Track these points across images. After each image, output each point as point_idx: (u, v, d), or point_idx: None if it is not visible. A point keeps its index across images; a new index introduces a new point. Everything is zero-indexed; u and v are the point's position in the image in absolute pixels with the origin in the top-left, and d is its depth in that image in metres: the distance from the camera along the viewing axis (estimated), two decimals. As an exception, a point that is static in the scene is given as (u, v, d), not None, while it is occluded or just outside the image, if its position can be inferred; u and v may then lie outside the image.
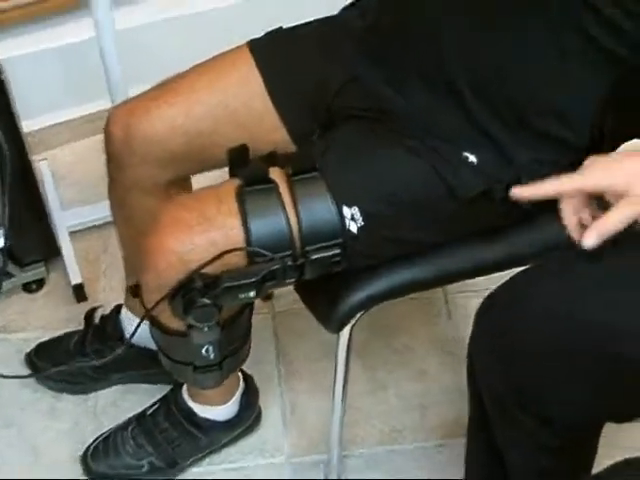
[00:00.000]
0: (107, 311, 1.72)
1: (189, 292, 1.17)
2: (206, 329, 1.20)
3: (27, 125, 1.89)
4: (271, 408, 1.70)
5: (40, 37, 2.06)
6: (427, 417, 1.69)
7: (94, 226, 2.01)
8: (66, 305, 1.88)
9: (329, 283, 1.23)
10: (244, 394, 1.60)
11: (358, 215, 1.17)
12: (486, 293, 1.84)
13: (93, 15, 1.69)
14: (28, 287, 1.90)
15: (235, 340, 1.34)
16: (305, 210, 1.16)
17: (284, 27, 1.38)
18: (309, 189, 1.17)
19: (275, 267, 1.15)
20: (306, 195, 1.17)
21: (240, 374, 1.59)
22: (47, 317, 1.86)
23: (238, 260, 1.17)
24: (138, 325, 1.29)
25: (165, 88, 1.35)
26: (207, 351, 1.26)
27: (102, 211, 1.96)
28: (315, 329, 1.81)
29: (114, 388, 1.73)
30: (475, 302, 1.86)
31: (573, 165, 1.02)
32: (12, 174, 1.37)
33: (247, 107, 1.33)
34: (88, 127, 2.21)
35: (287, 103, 1.32)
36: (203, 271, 1.17)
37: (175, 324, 1.26)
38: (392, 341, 1.80)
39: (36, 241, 1.88)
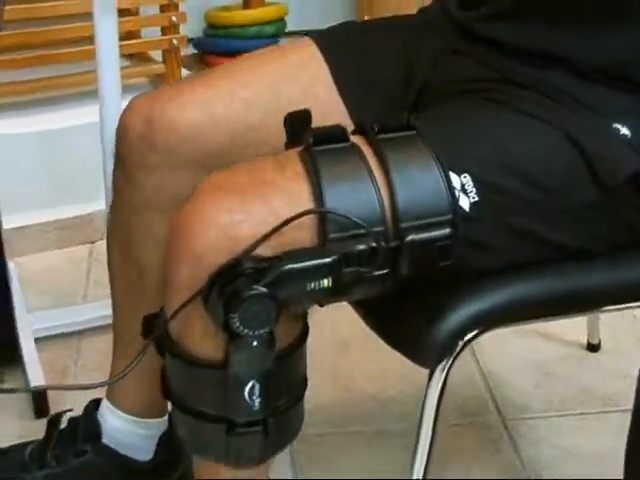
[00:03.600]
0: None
1: (234, 279, 0.81)
2: (255, 343, 0.83)
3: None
4: None
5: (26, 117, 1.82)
6: None
7: (64, 333, 1.65)
8: (21, 420, 1.47)
9: (421, 297, 0.89)
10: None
11: (470, 186, 0.86)
12: (554, 418, 1.56)
13: (100, 99, 1.44)
14: (-27, 397, 1.50)
15: (289, 388, 0.94)
16: (398, 175, 0.84)
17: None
18: (403, 149, 0.86)
19: (360, 247, 0.81)
20: (399, 156, 0.85)
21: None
22: (-5, 432, 1.44)
23: (306, 239, 0.84)
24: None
25: (202, 73, 1.08)
26: (251, 393, 0.87)
27: (74, 316, 1.68)
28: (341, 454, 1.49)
29: (80, 518, 1.29)
30: (543, 425, 1.55)
31: None
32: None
33: (306, 94, 1.05)
34: (65, 235, 1.90)
35: (359, 91, 1.05)
36: (256, 253, 0.82)
37: (208, 348, 0.87)
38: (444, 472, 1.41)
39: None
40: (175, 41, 1.88)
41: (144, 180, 1.07)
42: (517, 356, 1.65)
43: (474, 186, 0.87)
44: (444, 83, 1.01)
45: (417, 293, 0.89)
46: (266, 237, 0.82)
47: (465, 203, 0.86)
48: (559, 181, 0.90)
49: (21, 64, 1.80)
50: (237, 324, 0.82)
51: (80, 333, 1.66)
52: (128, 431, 1.24)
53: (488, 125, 0.92)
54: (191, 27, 2.05)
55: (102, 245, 1.88)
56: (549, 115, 0.92)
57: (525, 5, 0.97)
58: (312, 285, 0.82)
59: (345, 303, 1.73)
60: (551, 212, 0.91)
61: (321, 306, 0.88)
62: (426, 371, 0.99)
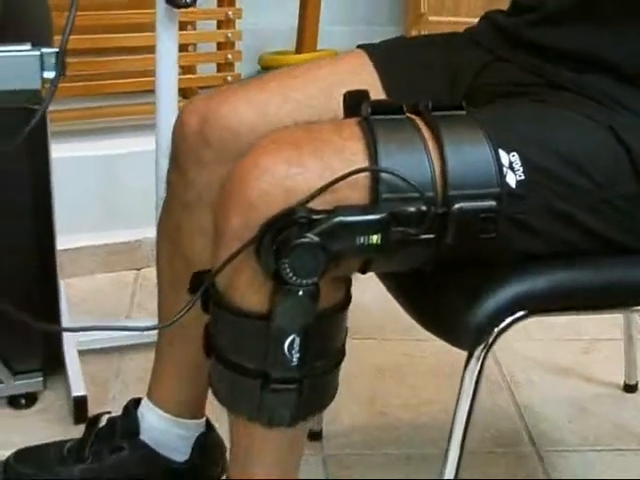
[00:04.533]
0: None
1: (288, 227, 0.84)
2: (301, 293, 0.85)
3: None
4: None
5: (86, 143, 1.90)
6: None
7: (106, 349, 1.68)
8: (61, 425, 1.50)
9: (459, 278, 0.92)
10: None
11: (518, 164, 0.89)
12: (589, 453, 1.54)
13: (157, 129, 1.50)
14: (15, 402, 1.53)
15: (327, 352, 0.96)
16: (451, 145, 0.88)
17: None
18: (455, 125, 0.90)
19: (410, 209, 0.84)
20: (452, 130, 0.89)
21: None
22: (35, 436, 1.44)
23: (359, 198, 0.87)
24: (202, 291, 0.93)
25: (257, 77, 1.13)
26: (291, 347, 0.89)
27: (116, 332, 1.69)
28: (373, 474, 1.49)
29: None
30: (578, 459, 1.53)
31: None
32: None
33: (356, 98, 1.09)
34: (113, 259, 1.96)
35: (407, 96, 1.08)
36: (309, 206, 0.85)
37: (253, 300, 0.90)
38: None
39: (37, 347, 1.55)
40: (230, 78, 1.96)
41: (196, 176, 1.11)
42: (553, 393, 1.65)
43: (521, 165, 0.90)
44: (487, 86, 1.06)
45: (456, 276, 0.92)
46: (322, 190, 0.85)
47: (512, 180, 0.89)
48: (605, 171, 0.94)
49: (85, 92, 1.88)
50: (287, 270, 0.84)
51: (121, 349, 1.69)
52: (165, 430, 1.26)
53: (536, 115, 0.96)
54: (245, 69, 2.13)
55: (147, 272, 1.96)
56: (593, 113, 0.96)
57: (571, 10, 1.01)
58: (362, 239, 0.85)
59: (379, 335, 1.77)
60: (592, 200, 0.94)
61: (363, 273, 0.91)
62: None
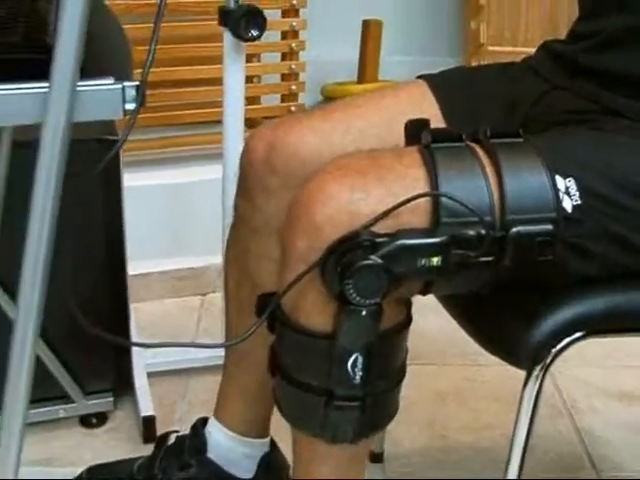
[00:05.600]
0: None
1: (352, 250, 0.88)
2: (364, 312, 0.89)
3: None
4: None
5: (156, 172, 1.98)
6: None
7: (174, 370, 1.73)
8: (130, 444, 1.55)
9: (519, 299, 0.95)
10: None
11: (574, 189, 0.92)
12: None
13: (224, 158, 1.56)
14: (87, 420, 1.59)
15: (388, 372, 0.99)
16: (508, 171, 0.91)
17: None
18: (513, 151, 0.94)
19: (470, 233, 0.88)
20: (509, 157, 0.93)
21: None
22: (105, 454, 1.51)
23: (420, 222, 0.90)
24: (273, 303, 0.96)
25: (320, 107, 1.18)
26: (354, 365, 0.92)
27: (185, 354, 1.75)
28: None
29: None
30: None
31: None
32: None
33: (418, 127, 1.13)
34: (180, 285, 2.02)
35: (467, 126, 1.12)
36: (373, 230, 0.89)
37: (318, 320, 0.93)
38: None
39: (108, 369, 1.61)
40: (293, 108, 2.02)
41: (263, 203, 1.15)
42: (615, 418, 1.66)
43: (577, 189, 0.92)
44: (544, 115, 1.09)
45: (515, 296, 0.95)
46: (385, 214, 0.89)
47: (568, 205, 0.92)
48: None
49: (155, 123, 1.94)
50: (351, 291, 0.88)
51: (188, 372, 1.74)
52: (232, 448, 1.29)
53: (593, 143, 0.99)
54: (308, 100, 2.18)
55: (213, 297, 2.01)
56: None
57: (626, 37, 1.04)
58: (423, 262, 0.88)
59: (440, 360, 1.79)
60: None
61: (424, 295, 0.94)
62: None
